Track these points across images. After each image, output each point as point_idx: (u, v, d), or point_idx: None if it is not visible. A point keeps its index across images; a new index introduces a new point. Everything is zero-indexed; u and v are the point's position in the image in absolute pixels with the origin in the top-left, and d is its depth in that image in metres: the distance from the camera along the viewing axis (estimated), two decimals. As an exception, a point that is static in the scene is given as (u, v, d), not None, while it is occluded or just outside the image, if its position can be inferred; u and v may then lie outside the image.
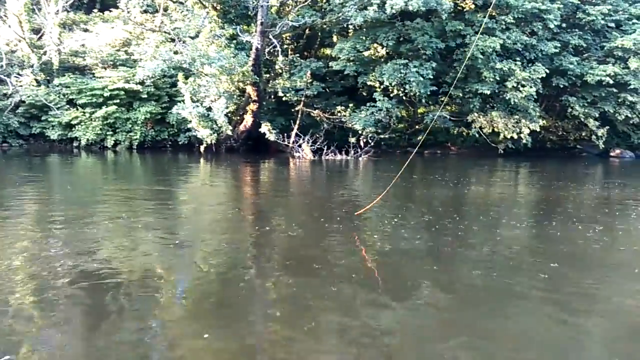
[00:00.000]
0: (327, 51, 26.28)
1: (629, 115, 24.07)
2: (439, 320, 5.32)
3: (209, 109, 21.35)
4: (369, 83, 23.93)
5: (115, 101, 23.41)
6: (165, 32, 22.27)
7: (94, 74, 24.84)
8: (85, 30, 26.33)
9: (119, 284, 6.02)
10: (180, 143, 23.80)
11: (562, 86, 24.13)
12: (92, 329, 4.92)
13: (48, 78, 24.97)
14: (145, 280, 6.19)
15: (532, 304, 5.80)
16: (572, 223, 9.88)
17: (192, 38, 21.84)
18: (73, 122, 23.58)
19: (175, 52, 21.03)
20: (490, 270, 7.01)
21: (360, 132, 22.89)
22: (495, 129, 23.64)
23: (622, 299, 6.02)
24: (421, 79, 22.08)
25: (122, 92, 23.51)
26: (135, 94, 23.74)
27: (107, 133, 23.68)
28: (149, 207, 10.83)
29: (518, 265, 7.28)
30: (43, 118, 23.97)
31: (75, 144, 24.05)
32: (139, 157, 21.65)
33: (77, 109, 23.72)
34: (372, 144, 22.89)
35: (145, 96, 23.70)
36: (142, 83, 22.98)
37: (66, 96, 23.99)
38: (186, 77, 21.63)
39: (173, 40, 21.75)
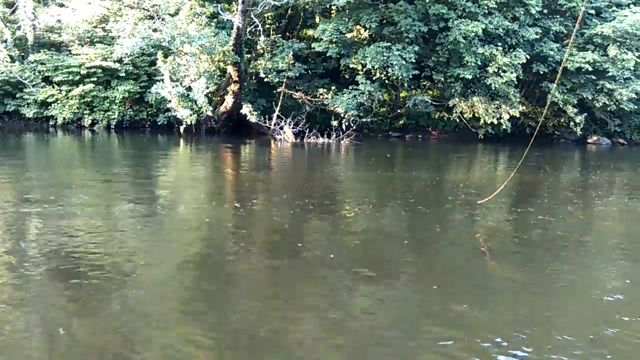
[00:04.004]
0: (310, 32, 26.01)
1: (607, 102, 24.38)
2: (418, 302, 5.36)
3: (189, 88, 21.02)
4: (351, 65, 23.79)
5: (92, 79, 22.86)
6: (144, 8, 21.68)
7: (70, 50, 24.20)
8: (61, 5, 25.54)
9: (97, 264, 5.93)
10: (159, 123, 23.44)
11: (542, 72, 24.32)
12: (71, 310, 4.85)
13: (22, 54, 24.26)
14: (125, 261, 6.09)
15: (507, 287, 5.88)
16: (550, 206, 10.03)
17: (172, 16, 21.36)
18: (49, 100, 23.02)
19: (154, 30, 20.54)
20: (467, 253, 7.08)
21: (342, 115, 22.81)
22: (476, 114, 23.77)
23: (595, 282, 6.14)
24: (404, 62, 22.03)
25: (100, 70, 22.99)
26: (113, 72, 23.23)
27: (84, 112, 23.18)
28: (128, 188, 10.67)
29: (491, 250, 7.38)
30: (18, 95, 23.36)
31: (51, 122, 23.51)
32: (117, 137, 21.29)
33: (53, 87, 23.16)
34: (354, 127, 22.82)
35: (124, 75, 23.21)
36: (120, 61, 22.46)
37: (42, 73, 23.36)
38: (165, 56, 21.22)
39: (152, 17, 21.22)
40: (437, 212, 9.41)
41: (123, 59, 21.74)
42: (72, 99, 22.88)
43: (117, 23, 22.58)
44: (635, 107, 25.16)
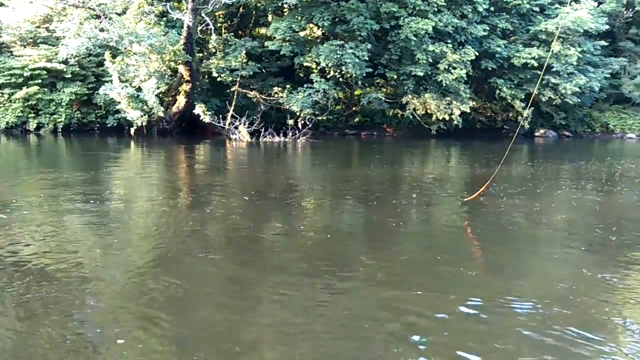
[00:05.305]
0: (262, 30, 25.86)
1: (552, 96, 25.30)
2: (378, 298, 5.38)
3: (139, 89, 20.51)
4: (305, 64, 23.80)
5: (36, 81, 22.07)
6: (89, 7, 21.01)
7: (12, 52, 23.18)
8: (1, 5, 24.44)
9: (45, 274, 5.62)
10: (108, 125, 22.74)
11: (490, 68, 25.03)
12: (19, 320, 4.60)
13: (-40, 56, 23.11)
14: (75, 270, 5.79)
15: (460, 280, 5.97)
16: (500, 199, 10.28)
17: (119, 14, 20.81)
18: (-10, 104, 22.05)
19: (101, 30, 19.95)
20: (423, 248, 7.18)
21: (298, 113, 22.77)
22: (429, 111, 24.22)
23: (546, 271, 6.33)
24: (357, 60, 22.21)
25: (44, 72, 22.20)
26: (58, 73, 22.46)
27: (29, 115, 22.31)
28: (77, 193, 10.23)
29: (449, 241, 7.52)
30: (-44, 100, 22.25)
31: (-7, 127, 22.51)
32: (65, 141, 20.56)
33: (-6, 90, 22.18)
34: (310, 125, 22.83)
35: (70, 76, 22.46)
36: (65, 62, 21.68)
37: (-19, 76, 22.32)
38: (113, 56, 20.65)
39: (98, 16, 20.59)
40: (394, 207, 9.49)
41: (69, 59, 21.01)
42: (15, 102, 21.99)
43: (61, 23, 21.79)
44: (579, 100, 26.22)
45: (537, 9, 26.00)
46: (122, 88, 20.19)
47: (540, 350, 4.22)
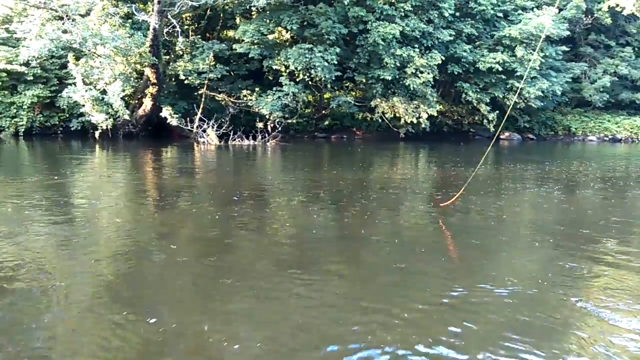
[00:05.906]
0: (230, 33, 25.69)
1: (516, 100, 25.89)
2: (348, 298, 5.37)
3: (104, 92, 20.09)
4: (274, 67, 23.75)
5: (-5, 84, 21.42)
6: (51, 8, 20.49)
7: (-31, 53, 22.44)
8: (-43, 5, 23.64)
9: (7, 280, 5.44)
10: (72, 129, 22.19)
11: (456, 73, 25.47)
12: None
13: None
14: (39, 276, 5.60)
15: (426, 280, 6.03)
16: (471, 198, 10.42)
17: (83, 16, 20.36)
18: (-54, 107, 21.27)
19: (64, 31, 19.49)
20: (392, 250, 7.21)
21: (267, 116, 22.69)
22: (397, 114, 24.47)
23: (512, 273, 6.42)
24: (326, 64, 22.29)
25: (4, 74, 21.56)
26: (19, 76, 21.84)
27: (-12, 119, 21.63)
28: (39, 199, 9.91)
29: (421, 242, 7.59)
30: None
31: (-50, 131, 21.72)
32: (26, 145, 19.95)
33: (-49, 92, 21.40)
34: (280, 128, 22.77)
35: (31, 78, 21.86)
36: (27, 64, 21.13)
37: (-64, 78, 21.52)
38: (77, 58, 20.18)
39: (61, 18, 20.10)
40: (366, 209, 9.52)
41: (30, 61, 20.48)
42: (-27, 105, 21.27)
43: (22, 24, 21.20)
44: (542, 104, 26.93)
45: (500, 14, 26.63)
46: (86, 91, 19.76)
47: (510, 337, 4.36)
